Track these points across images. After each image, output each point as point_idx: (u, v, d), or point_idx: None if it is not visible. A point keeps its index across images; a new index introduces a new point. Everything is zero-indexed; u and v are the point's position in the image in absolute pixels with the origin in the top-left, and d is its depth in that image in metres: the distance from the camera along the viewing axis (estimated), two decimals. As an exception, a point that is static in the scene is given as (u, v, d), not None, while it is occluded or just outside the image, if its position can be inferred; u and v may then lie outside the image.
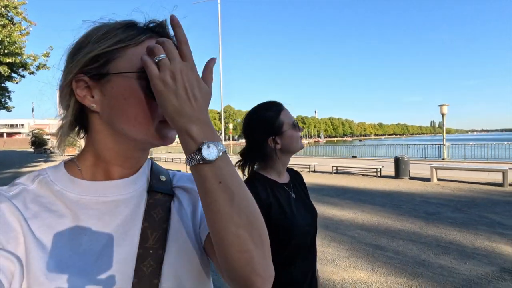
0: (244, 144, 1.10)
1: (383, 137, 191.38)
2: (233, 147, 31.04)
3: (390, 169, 10.91)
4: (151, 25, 0.52)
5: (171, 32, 0.47)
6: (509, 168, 8.30)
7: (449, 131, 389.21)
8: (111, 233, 0.48)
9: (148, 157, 0.59)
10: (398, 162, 10.22)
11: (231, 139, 38.44)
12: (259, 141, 1.02)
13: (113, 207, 0.50)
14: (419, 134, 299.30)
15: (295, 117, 1.11)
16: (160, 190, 0.56)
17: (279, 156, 1.03)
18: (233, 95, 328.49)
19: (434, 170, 9.40)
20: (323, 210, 5.94)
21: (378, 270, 3.37)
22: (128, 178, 0.53)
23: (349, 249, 4.01)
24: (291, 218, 0.95)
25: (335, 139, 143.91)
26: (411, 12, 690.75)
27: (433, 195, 7.40)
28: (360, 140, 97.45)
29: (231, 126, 31.83)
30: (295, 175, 1.16)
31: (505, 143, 16.11)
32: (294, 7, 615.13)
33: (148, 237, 0.50)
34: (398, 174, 10.19)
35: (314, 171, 12.80)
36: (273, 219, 0.91)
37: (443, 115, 18.17)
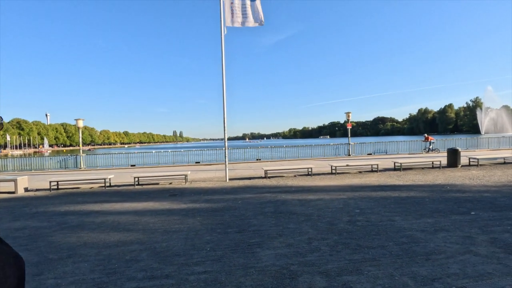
0: None
1: (126, 146, 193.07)
2: None
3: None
4: None
5: None
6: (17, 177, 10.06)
7: (187, 140, 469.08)
8: None
9: None
10: None
11: None
12: None
13: None
14: (164, 142, 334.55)
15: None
16: None
17: None
18: None
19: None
20: None
21: None
22: None
23: None
24: None
25: (65, 148, 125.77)
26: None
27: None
28: (90, 149, 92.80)
29: None
30: None
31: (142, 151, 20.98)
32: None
33: None
34: None
35: None
36: None
37: (79, 128, 20.41)
